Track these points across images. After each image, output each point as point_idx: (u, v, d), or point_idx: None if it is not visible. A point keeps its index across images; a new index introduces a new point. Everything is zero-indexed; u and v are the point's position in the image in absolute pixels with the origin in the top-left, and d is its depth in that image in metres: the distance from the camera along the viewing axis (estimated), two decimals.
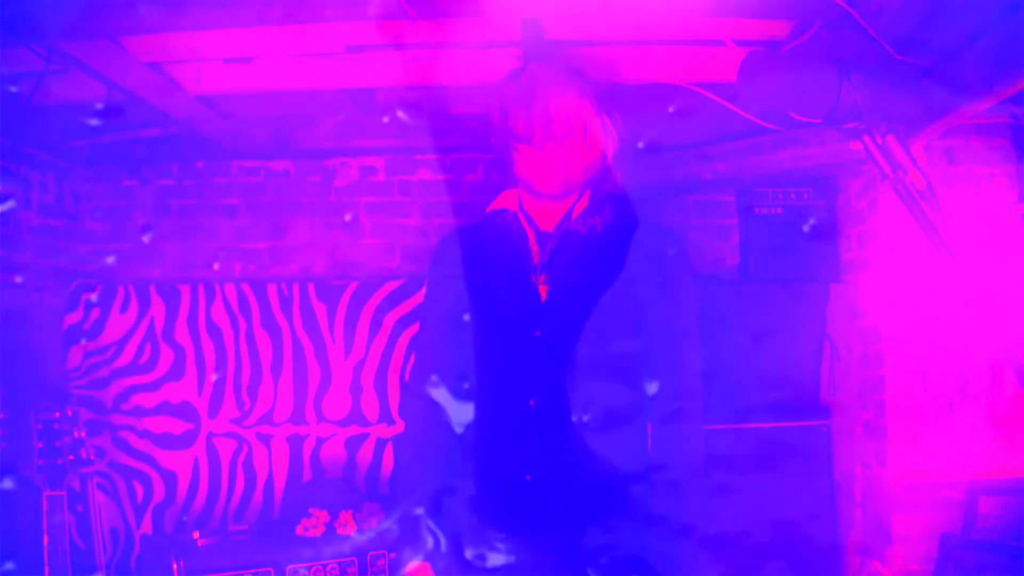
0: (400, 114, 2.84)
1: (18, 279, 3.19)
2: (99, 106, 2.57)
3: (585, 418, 1.63)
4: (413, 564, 1.70)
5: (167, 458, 3.42)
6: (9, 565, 2.69)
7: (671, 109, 2.86)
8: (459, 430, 1.72)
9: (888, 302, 3.11)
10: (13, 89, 2.51)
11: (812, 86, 1.47)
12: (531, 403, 1.63)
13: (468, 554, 1.67)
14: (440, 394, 1.74)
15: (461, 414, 1.72)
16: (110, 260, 3.61)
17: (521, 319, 1.66)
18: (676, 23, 2.47)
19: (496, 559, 1.64)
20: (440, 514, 1.71)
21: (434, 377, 1.75)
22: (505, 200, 1.78)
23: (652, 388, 1.67)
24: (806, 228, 3.36)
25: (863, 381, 3.30)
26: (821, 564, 3.14)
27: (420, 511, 1.72)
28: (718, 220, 3.65)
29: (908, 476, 3.06)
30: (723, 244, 3.65)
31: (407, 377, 3.47)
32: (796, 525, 3.12)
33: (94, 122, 2.66)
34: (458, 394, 1.73)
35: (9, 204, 2.84)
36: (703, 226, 3.64)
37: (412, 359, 3.46)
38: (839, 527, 3.23)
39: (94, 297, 3.46)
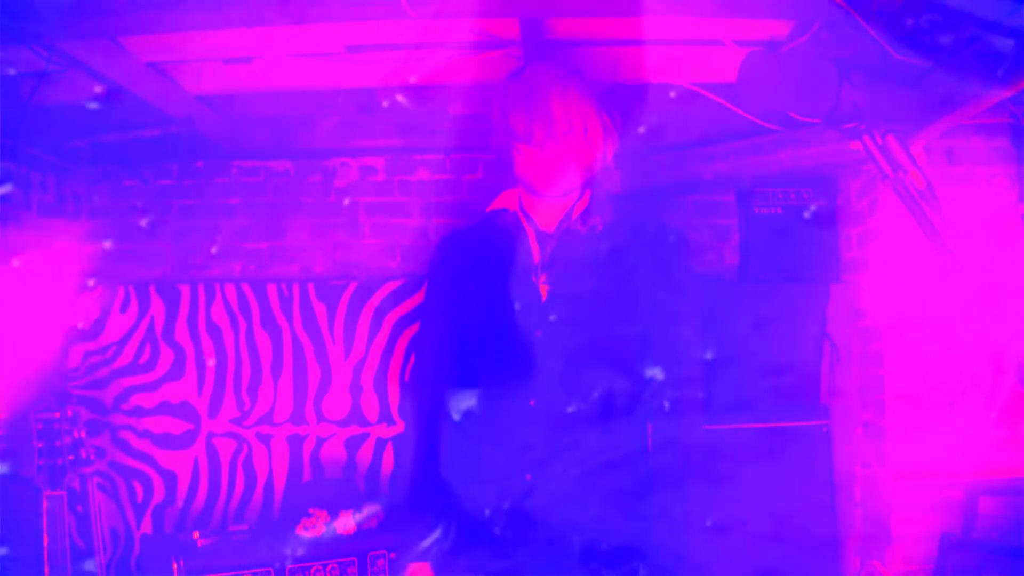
0: (400, 98, 2.82)
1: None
2: (98, 88, 2.56)
3: (586, 417, 1.63)
4: (413, 564, 1.70)
5: (167, 458, 3.42)
6: (3, 550, 2.68)
7: (671, 109, 2.86)
8: (459, 429, 1.72)
9: (888, 302, 3.11)
10: (16, 90, 2.51)
11: (812, 86, 1.47)
12: (532, 403, 1.63)
13: (468, 554, 1.67)
14: (439, 393, 1.74)
15: (461, 413, 1.72)
16: (110, 261, 3.61)
17: (522, 319, 1.66)
18: (676, 23, 2.47)
19: (497, 558, 1.64)
20: (440, 514, 1.71)
21: (434, 376, 1.75)
22: (505, 200, 1.78)
23: (653, 387, 1.67)
24: (806, 228, 3.36)
25: (863, 381, 3.30)
26: (821, 564, 3.14)
27: (420, 511, 1.72)
28: (718, 220, 3.65)
29: (908, 476, 3.06)
30: (723, 244, 3.65)
31: (407, 377, 3.47)
32: (796, 525, 3.12)
33: (94, 105, 2.64)
34: (457, 393, 1.73)
35: (7, 188, 2.84)
36: (703, 226, 3.64)
37: (412, 359, 3.47)
38: (839, 527, 3.22)
39: (94, 297, 3.46)
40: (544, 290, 1.67)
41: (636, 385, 1.67)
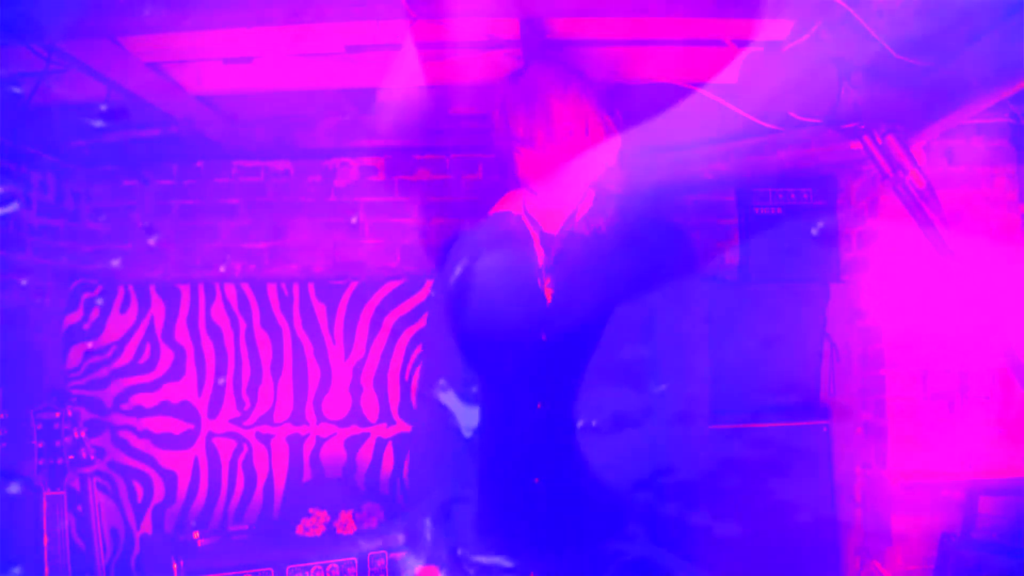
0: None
1: (23, 282, 3.19)
2: (104, 107, 2.58)
3: (592, 421, 1.62)
4: (421, 567, 1.70)
5: (167, 458, 3.42)
6: (16, 571, 2.69)
7: (671, 109, 2.86)
8: (467, 434, 1.71)
9: (888, 302, 3.11)
10: (16, 90, 2.51)
11: (812, 86, 1.47)
12: (538, 406, 1.62)
13: (476, 558, 1.67)
14: (448, 398, 1.74)
15: (469, 417, 1.71)
16: (111, 261, 3.61)
17: (527, 322, 1.65)
18: (676, 23, 2.47)
19: (504, 562, 1.64)
20: (449, 517, 1.70)
21: (442, 381, 1.75)
22: (509, 202, 1.78)
23: (659, 390, 1.66)
24: (806, 228, 3.36)
25: (863, 381, 3.30)
26: (821, 564, 3.14)
27: (429, 515, 1.71)
28: (718, 220, 3.65)
29: (908, 476, 3.06)
30: (723, 244, 3.65)
31: (408, 377, 3.48)
32: (796, 525, 3.12)
33: (99, 123, 2.67)
34: (466, 398, 1.72)
35: (13, 207, 2.85)
36: (703, 226, 3.64)
37: (413, 359, 3.48)
38: (839, 527, 3.22)
39: (94, 297, 3.46)
40: (549, 293, 1.66)
41: (642, 387, 1.66)
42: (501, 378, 1.66)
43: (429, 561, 1.70)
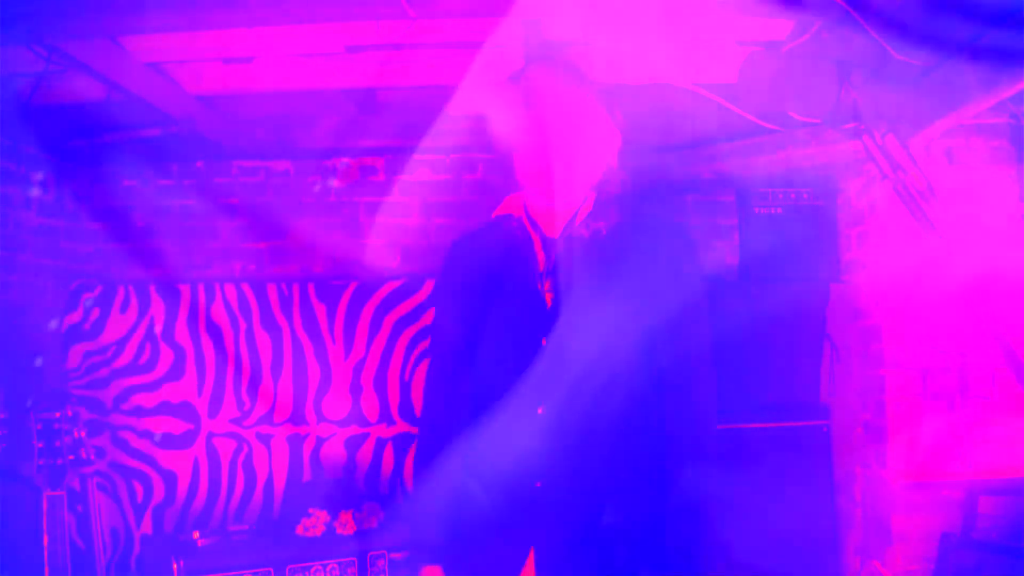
0: None
1: (24, 282, 3.19)
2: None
3: (594, 425, 1.62)
4: (426, 568, 1.70)
5: (167, 458, 3.42)
6: None
7: (671, 109, 2.86)
8: (468, 436, 1.71)
9: (888, 302, 3.11)
10: (16, 90, 2.51)
11: (812, 86, 1.47)
12: (539, 410, 1.62)
13: (479, 560, 1.67)
14: (453, 403, 1.73)
15: (472, 421, 1.71)
16: (111, 261, 3.61)
17: (528, 327, 1.65)
18: (676, 23, 2.47)
19: (506, 565, 1.63)
20: (452, 520, 1.70)
21: (444, 385, 1.75)
22: (510, 205, 1.77)
23: (663, 392, 1.65)
24: (806, 228, 3.36)
25: (863, 381, 3.30)
26: (821, 564, 3.14)
27: (433, 517, 1.71)
28: (718, 220, 3.65)
29: (908, 476, 3.06)
30: (723, 244, 3.65)
31: (408, 377, 3.48)
32: (796, 525, 3.12)
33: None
34: (470, 401, 1.72)
35: None
36: (703, 226, 3.64)
37: (413, 359, 3.48)
38: (839, 527, 3.22)
39: (94, 297, 3.46)
40: (549, 298, 1.66)
41: (644, 390, 1.65)
42: (503, 382, 1.66)
43: (433, 560, 1.70)
